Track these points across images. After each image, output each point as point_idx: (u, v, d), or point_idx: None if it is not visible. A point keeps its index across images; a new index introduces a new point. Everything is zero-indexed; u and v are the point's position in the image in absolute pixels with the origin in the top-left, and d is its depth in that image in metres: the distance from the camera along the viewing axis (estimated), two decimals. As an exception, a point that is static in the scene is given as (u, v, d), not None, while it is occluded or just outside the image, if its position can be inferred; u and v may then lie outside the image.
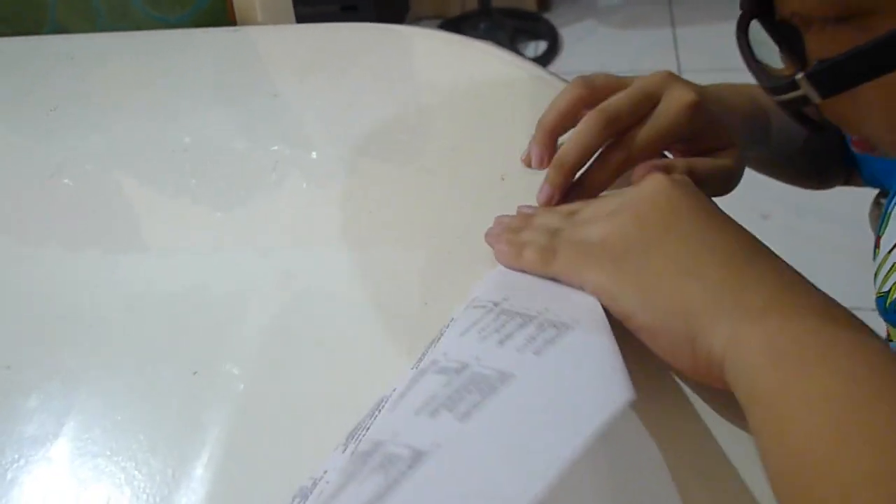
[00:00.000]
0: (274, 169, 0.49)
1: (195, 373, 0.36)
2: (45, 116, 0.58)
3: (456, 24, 2.35)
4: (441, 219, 0.43)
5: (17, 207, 0.50)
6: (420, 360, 0.32)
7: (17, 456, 0.34)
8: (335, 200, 0.46)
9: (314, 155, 0.52)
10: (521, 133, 0.43)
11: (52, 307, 0.42)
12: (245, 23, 0.69)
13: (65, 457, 0.33)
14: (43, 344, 0.39)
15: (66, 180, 0.51)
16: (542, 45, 2.31)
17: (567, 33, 2.35)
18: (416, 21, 2.48)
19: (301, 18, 0.72)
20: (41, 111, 0.59)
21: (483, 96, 0.53)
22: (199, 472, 0.32)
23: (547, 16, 2.44)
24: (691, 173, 0.40)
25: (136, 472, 0.32)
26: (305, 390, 0.35)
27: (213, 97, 0.58)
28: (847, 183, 0.60)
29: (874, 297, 0.43)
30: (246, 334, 0.38)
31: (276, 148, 0.51)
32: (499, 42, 2.35)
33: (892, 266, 0.42)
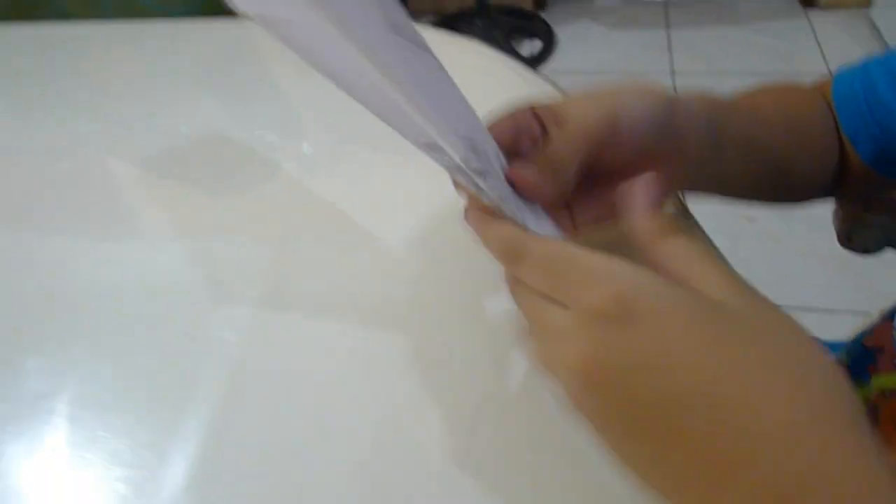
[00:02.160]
0: (267, 160, 0.51)
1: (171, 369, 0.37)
2: (48, 101, 0.60)
3: (453, 21, 2.36)
4: (429, 218, 0.44)
5: (16, 191, 0.51)
6: None
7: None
8: (326, 195, 0.47)
9: (306, 148, 0.53)
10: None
11: (36, 293, 0.43)
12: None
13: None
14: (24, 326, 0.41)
15: (65, 165, 0.52)
16: (537, 44, 2.33)
17: (563, 32, 2.37)
18: (414, 16, 2.46)
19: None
20: (44, 96, 0.60)
21: (474, 96, 0.55)
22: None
23: (543, 14, 2.46)
24: None
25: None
26: (284, 389, 0.36)
27: (212, 87, 0.60)
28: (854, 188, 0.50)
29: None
30: (225, 334, 0.39)
31: (271, 139, 0.53)
32: (495, 40, 2.36)
33: None
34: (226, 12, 0.73)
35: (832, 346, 0.63)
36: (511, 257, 0.26)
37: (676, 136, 0.33)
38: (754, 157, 0.42)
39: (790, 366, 0.21)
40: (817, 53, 2.15)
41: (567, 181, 0.29)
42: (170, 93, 0.59)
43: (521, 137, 0.31)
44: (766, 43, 2.21)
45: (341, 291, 0.40)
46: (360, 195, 0.47)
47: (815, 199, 0.51)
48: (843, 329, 0.60)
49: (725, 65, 2.12)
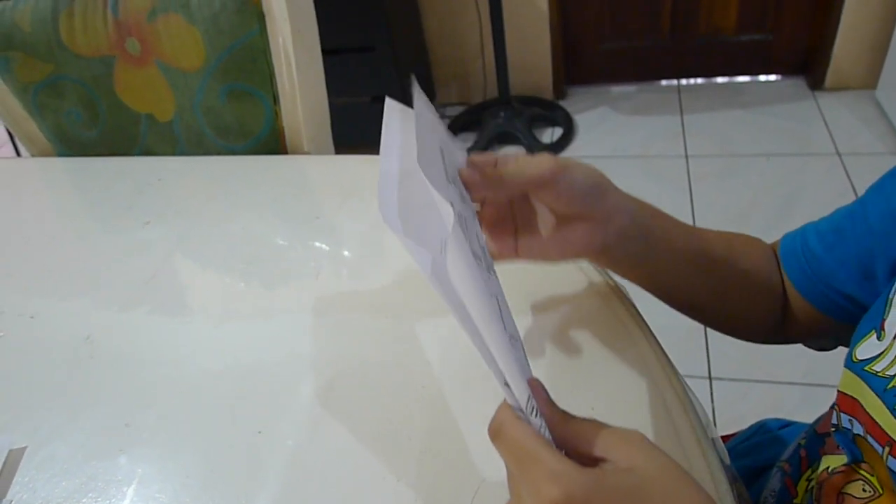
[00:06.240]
0: (318, 261, 0.63)
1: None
2: (137, 213, 0.74)
3: (478, 112, 2.52)
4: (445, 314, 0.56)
5: (121, 302, 0.64)
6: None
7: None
8: (361, 286, 0.59)
9: (346, 253, 0.65)
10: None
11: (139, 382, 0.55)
12: (294, 152, 0.85)
13: None
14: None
15: (150, 263, 0.66)
16: (558, 131, 2.47)
17: (581, 119, 2.52)
18: (442, 107, 2.68)
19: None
20: (131, 210, 0.75)
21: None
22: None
23: (563, 103, 2.61)
24: None
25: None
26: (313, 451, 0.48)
27: (272, 208, 0.73)
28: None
29: (869, 373, 0.43)
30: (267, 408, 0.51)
31: (320, 246, 0.66)
32: (517, 128, 2.49)
33: None
34: (277, 151, 0.88)
35: (800, 427, 0.71)
36: (494, 432, 0.34)
37: (603, 210, 0.44)
38: (689, 266, 0.50)
39: None
40: (825, 134, 2.25)
41: (503, 189, 0.41)
42: (236, 211, 0.73)
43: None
44: (775, 125, 2.31)
45: (367, 372, 0.52)
46: (384, 285, 0.59)
47: (763, 339, 0.59)
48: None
49: (737, 147, 2.23)
